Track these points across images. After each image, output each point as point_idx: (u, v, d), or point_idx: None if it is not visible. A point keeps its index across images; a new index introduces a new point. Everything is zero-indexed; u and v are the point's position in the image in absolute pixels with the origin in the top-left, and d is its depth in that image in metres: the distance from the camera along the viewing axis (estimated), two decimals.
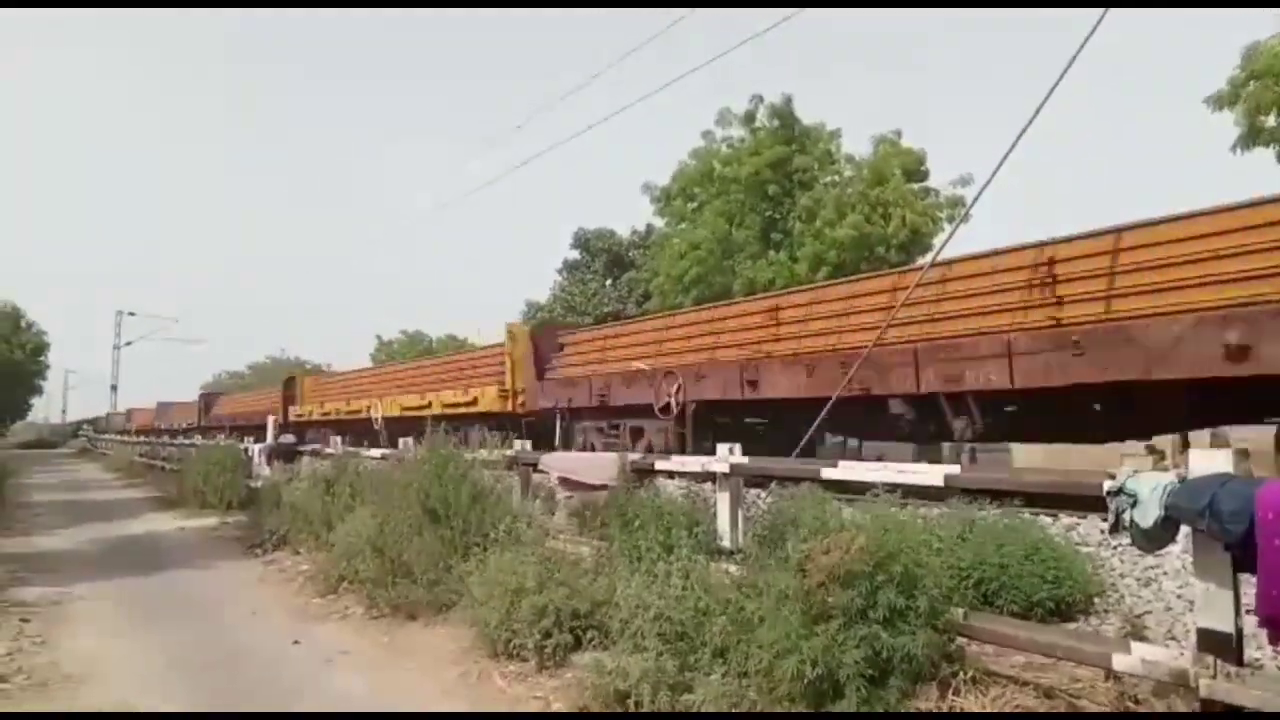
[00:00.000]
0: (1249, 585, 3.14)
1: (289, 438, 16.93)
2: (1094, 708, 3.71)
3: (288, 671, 5.49)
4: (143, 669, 5.57)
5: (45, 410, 79.39)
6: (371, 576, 6.89)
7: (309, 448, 14.79)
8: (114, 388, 57.53)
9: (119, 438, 41.89)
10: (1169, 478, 3.31)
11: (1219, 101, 16.16)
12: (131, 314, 57.64)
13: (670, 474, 7.14)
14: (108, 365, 57.89)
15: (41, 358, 59.21)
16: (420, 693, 4.95)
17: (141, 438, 37.57)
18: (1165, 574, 5.39)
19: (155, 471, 22.72)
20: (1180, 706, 3.45)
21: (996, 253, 8.80)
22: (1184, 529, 3.34)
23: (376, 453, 10.84)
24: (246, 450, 15.66)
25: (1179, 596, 5.02)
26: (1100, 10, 6.29)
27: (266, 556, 9.87)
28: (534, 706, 4.58)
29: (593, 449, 11.93)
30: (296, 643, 6.13)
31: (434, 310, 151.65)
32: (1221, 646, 3.11)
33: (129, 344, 57.55)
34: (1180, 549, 4.75)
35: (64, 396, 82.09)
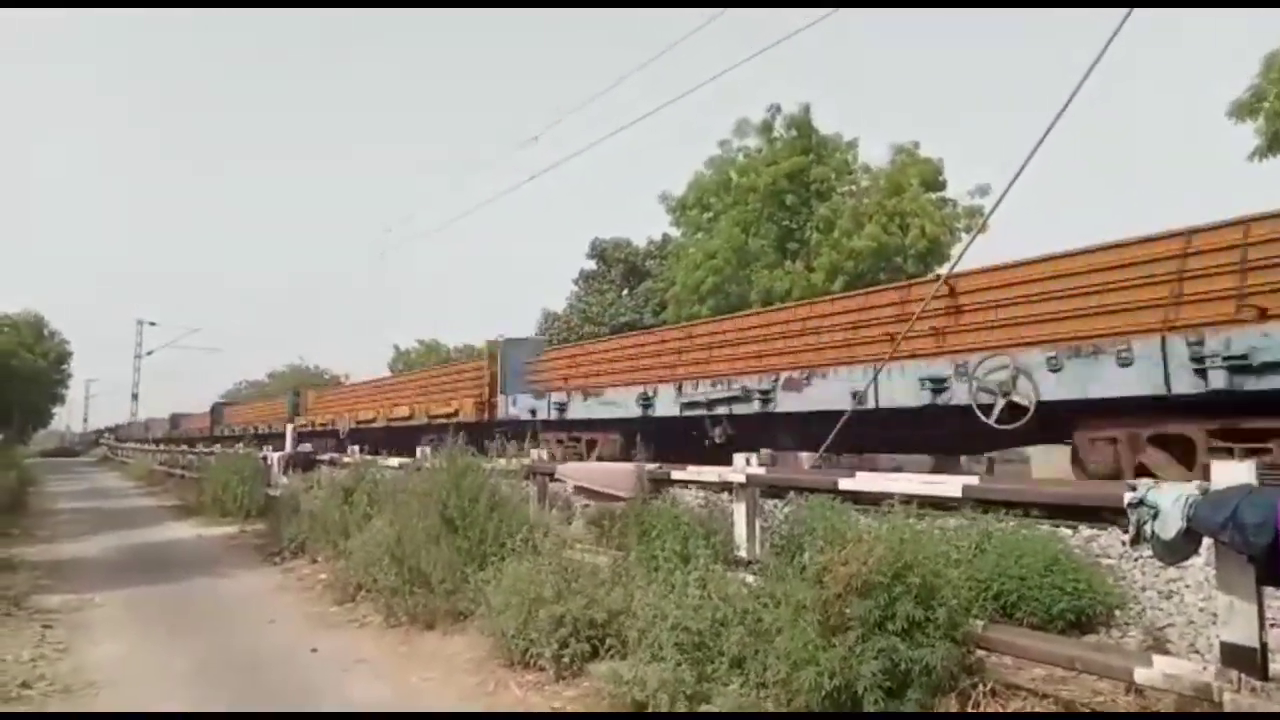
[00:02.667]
0: (1273, 599, 3.11)
1: (306, 446, 17.03)
2: None
3: (306, 679, 5.52)
4: (163, 676, 5.61)
5: (67, 419, 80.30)
6: (389, 585, 6.92)
7: (326, 456, 14.87)
8: (135, 396, 58.18)
9: (140, 446, 41.99)
10: (1191, 489, 3.28)
11: (1240, 110, 16.05)
12: (153, 323, 58.40)
13: (687, 484, 7.14)
14: (128, 374, 58.67)
15: (64, 366, 59.80)
16: (437, 701, 4.96)
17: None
18: (1187, 587, 5.33)
19: (174, 479, 22.90)
20: None
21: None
22: (1206, 541, 3.32)
23: (394, 462, 10.89)
24: (265, 459, 15.76)
25: (1201, 610, 4.96)
26: (1122, 12, 6.26)
27: (285, 564, 9.93)
28: None
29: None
30: (315, 650, 6.16)
31: (449, 320, 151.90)
32: (1245, 661, 3.08)
33: (150, 353, 58.23)
34: (1203, 561, 4.70)
35: (85, 405, 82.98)
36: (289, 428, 20.20)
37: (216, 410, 41.79)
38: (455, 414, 18.22)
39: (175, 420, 48.74)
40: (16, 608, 7.49)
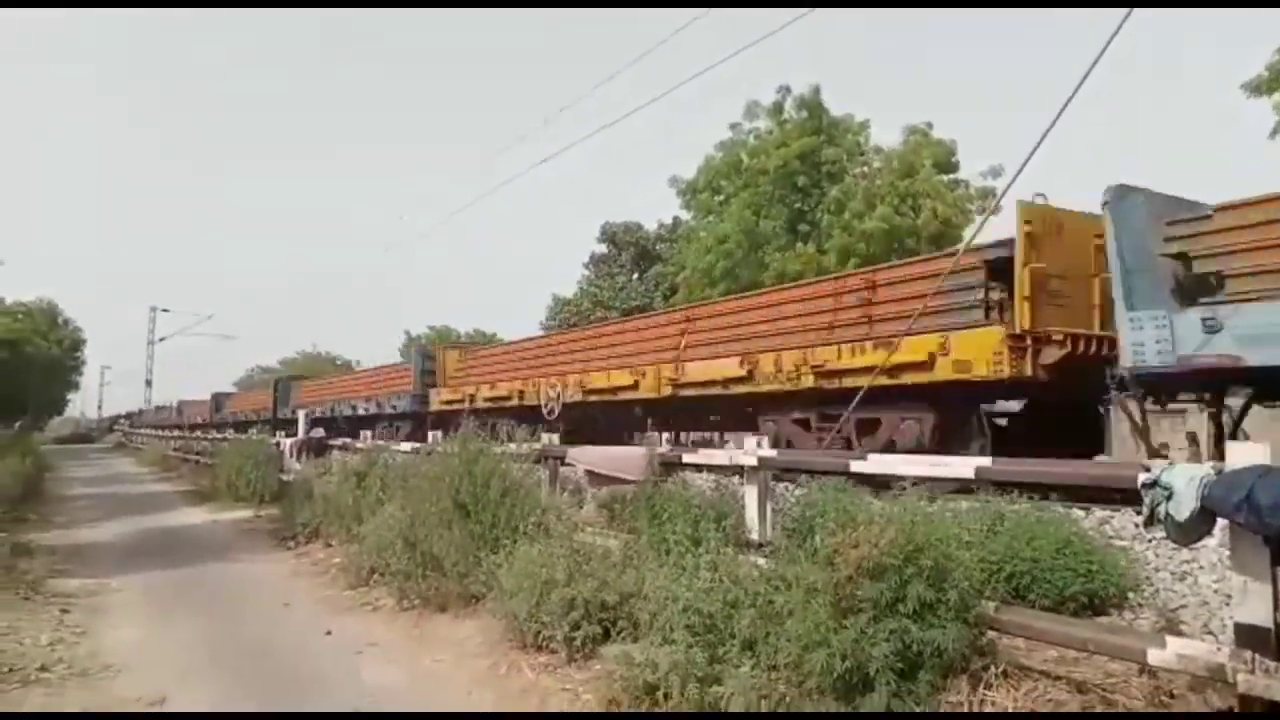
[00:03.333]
0: None
1: (319, 432, 17.11)
2: (1128, 703, 3.67)
3: (320, 662, 5.57)
4: (179, 659, 5.67)
5: (82, 405, 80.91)
6: (402, 569, 6.95)
7: (339, 441, 14.93)
8: (149, 382, 58.53)
9: (155, 432, 41.79)
10: (1206, 470, 3.25)
11: (1258, 88, 15.83)
12: (166, 310, 58.53)
13: (699, 467, 7.14)
14: (141, 361, 58.95)
15: (78, 353, 60.40)
16: (450, 684, 4.99)
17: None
18: (1201, 568, 5.29)
19: (188, 465, 23.07)
20: (1217, 702, 3.40)
21: None
22: (1221, 522, 3.29)
23: (406, 446, 10.95)
24: (278, 444, 15.86)
25: (1215, 591, 4.93)
26: (1122, 11, 6.23)
27: (298, 549, 10.01)
28: (563, 698, 4.61)
29: None
30: (328, 633, 6.22)
31: (451, 313, 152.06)
32: (1260, 642, 3.06)
33: (163, 339, 58.45)
34: (1217, 542, 4.67)
35: (100, 391, 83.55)
36: (301, 413, 20.13)
37: (281, 388, 33.48)
38: (927, 364, 8.83)
39: (219, 401, 42.57)
40: (35, 592, 7.56)
